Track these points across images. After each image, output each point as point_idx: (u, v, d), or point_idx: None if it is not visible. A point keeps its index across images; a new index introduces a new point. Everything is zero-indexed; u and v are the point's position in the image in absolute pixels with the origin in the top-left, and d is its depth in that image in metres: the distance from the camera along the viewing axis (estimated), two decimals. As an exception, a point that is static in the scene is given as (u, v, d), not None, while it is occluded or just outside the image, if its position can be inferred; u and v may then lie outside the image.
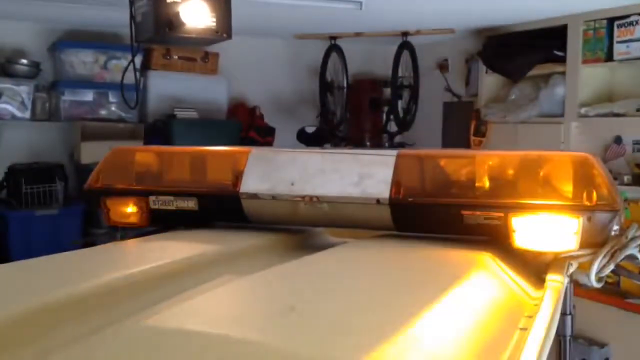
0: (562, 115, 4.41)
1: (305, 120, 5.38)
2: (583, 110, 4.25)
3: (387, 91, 5.48)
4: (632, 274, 1.42)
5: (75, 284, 1.05)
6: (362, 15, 4.13)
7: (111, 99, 4.74)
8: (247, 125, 5.19)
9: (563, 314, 1.38)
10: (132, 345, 0.81)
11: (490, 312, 1.07)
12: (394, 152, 1.47)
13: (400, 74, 5.22)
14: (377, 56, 5.78)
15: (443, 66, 5.58)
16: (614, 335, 3.79)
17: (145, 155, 1.72)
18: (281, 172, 1.52)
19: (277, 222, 1.60)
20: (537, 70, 4.59)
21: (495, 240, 1.38)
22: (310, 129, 5.13)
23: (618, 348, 3.80)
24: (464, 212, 1.38)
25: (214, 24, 2.45)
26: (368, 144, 5.48)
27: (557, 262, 1.33)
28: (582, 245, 1.31)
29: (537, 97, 4.57)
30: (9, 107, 4.48)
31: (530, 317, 1.06)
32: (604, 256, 1.32)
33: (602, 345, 3.80)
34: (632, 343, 3.74)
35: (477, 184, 1.41)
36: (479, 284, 1.17)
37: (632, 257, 1.35)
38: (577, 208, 1.29)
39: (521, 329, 1.01)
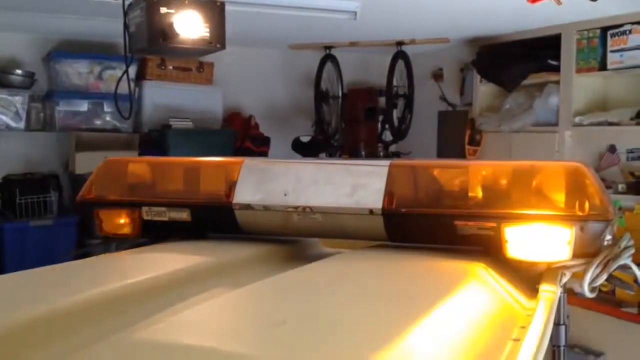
0: (556, 124, 4.42)
1: (300, 130, 5.38)
2: (577, 119, 4.27)
3: (382, 100, 5.49)
4: (625, 284, 1.41)
5: (66, 297, 1.04)
6: (357, 25, 4.14)
7: (106, 109, 4.72)
8: (242, 135, 5.19)
9: (557, 324, 1.38)
10: (122, 359, 0.80)
11: (482, 323, 1.07)
12: (387, 162, 1.47)
13: (395, 83, 5.23)
14: (372, 65, 5.79)
15: (438, 75, 5.59)
16: (609, 344, 3.79)
17: (138, 166, 1.72)
18: (274, 182, 1.52)
19: (270, 233, 1.60)
20: (531, 80, 4.60)
21: (488, 250, 1.38)
22: (305, 139, 5.14)
23: (614, 357, 3.79)
24: (457, 223, 1.38)
25: (208, 34, 2.45)
26: (363, 153, 5.48)
27: (550, 272, 1.32)
28: (575, 255, 1.30)
29: (531, 106, 4.58)
30: (4, 118, 4.46)
31: (523, 327, 1.05)
32: (597, 266, 1.32)
33: (598, 354, 3.79)
34: (627, 352, 3.74)
35: (469, 194, 1.41)
36: (472, 295, 1.16)
37: (625, 267, 1.35)
38: (569, 218, 1.29)
39: (514, 339, 1.00)
